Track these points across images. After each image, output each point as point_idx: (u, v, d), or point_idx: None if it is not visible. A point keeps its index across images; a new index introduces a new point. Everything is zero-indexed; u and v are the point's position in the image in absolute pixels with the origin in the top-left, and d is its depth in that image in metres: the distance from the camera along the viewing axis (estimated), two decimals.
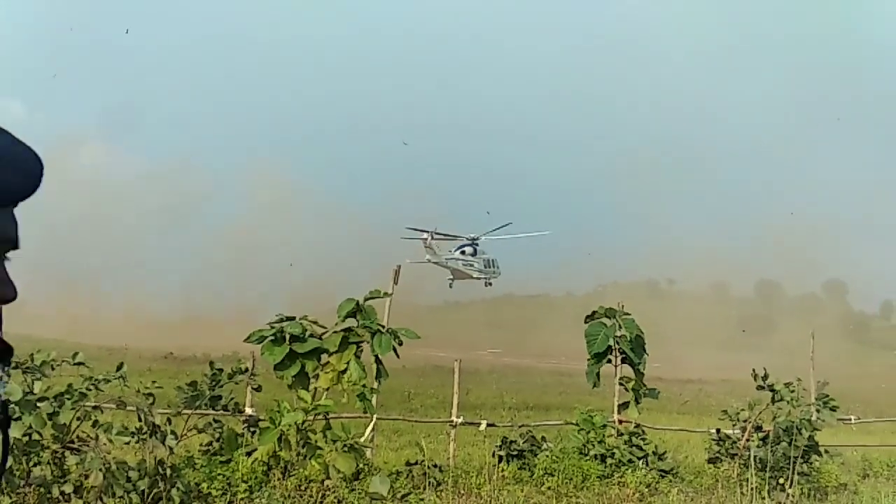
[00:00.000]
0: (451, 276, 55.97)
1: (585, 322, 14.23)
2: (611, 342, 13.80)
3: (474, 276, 56.40)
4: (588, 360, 14.07)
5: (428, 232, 52.72)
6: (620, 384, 14.07)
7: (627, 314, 14.08)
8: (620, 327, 13.78)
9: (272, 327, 10.93)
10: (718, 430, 13.71)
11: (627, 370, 14.11)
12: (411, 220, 54.09)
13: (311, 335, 10.80)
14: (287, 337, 10.90)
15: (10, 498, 8.50)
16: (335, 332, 10.61)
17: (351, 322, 10.93)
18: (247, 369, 10.58)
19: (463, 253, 55.98)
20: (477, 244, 56.54)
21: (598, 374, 14.09)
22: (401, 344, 10.92)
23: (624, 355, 13.90)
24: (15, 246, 1.11)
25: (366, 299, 11.04)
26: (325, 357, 10.75)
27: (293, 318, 10.80)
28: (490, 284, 58.80)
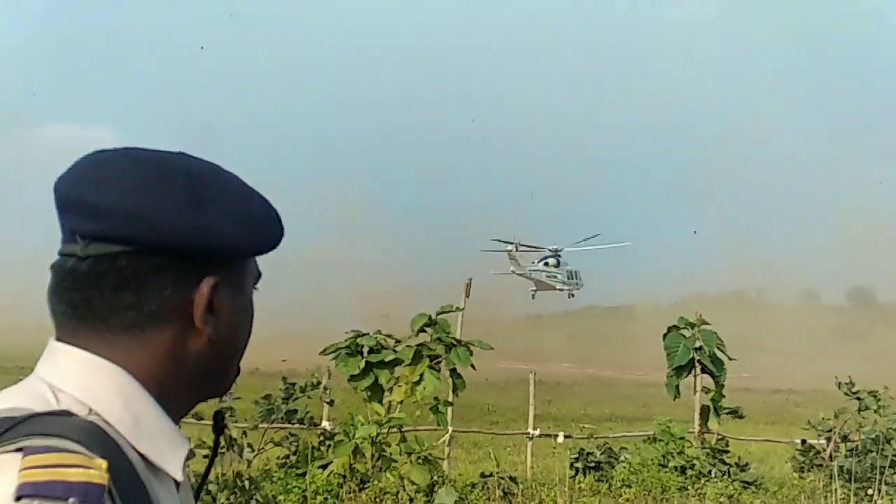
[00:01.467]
0: (535, 288, 56.02)
1: (664, 336, 14.00)
2: (692, 354, 13.55)
3: (557, 287, 56.39)
4: (668, 372, 13.85)
5: (512, 244, 53.06)
6: (702, 392, 13.81)
7: (707, 324, 13.81)
8: (698, 339, 13.52)
9: (347, 341, 11.07)
10: (804, 441, 13.33)
11: (709, 381, 13.83)
12: (493, 233, 54.32)
13: (386, 349, 10.90)
14: (363, 350, 11.04)
15: None
16: (408, 345, 10.69)
17: (424, 336, 11.01)
18: (319, 383, 10.71)
19: (546, 264, 56.04)
20: (560, 255, 56.50)
21: (677, 387, 13.85)
22: (471, 355, 10.93)
23: (703, 366, 13.64)
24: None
25: (438, 313, 11.10)
26: (398, 370, 10.83)
27: (367, 334, 10.93)
28: (573, 296, 58.65)
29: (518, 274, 54.04)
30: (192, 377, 1.18)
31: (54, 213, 1.19)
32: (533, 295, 56.79)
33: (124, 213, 1.10)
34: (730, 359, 13.58)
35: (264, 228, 1.20)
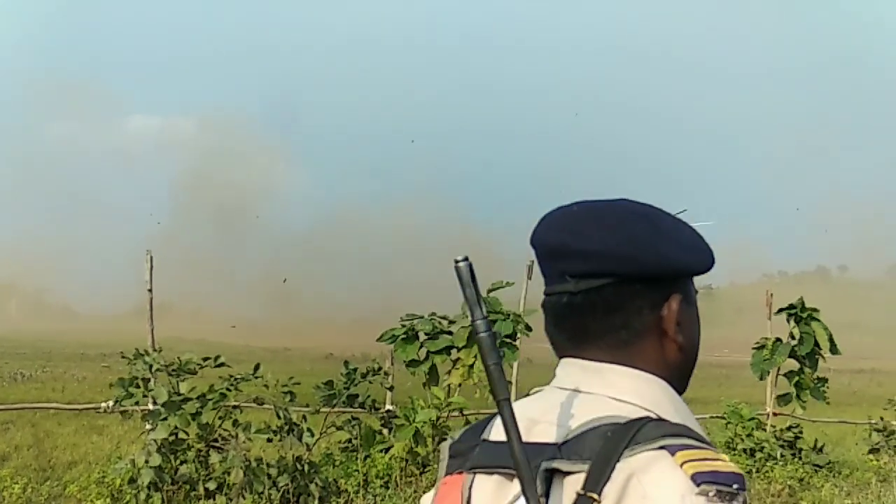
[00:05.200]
0: None
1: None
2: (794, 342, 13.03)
3: None
4: (764, 353, 13.32)
5: None
6: (785, 377, 13.39)
7: (815, 311, 13.16)
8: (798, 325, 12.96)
9: (403, 326, 11.05)
10: (881, 419, 12.90)
11: (794, 363, 13.27)
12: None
13: (442, 331, 10.86)
14: (419, 335, 11.01)
15: (161, 494, 8.94)
16: (462, 326, 10.61)
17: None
18: (380, 368, 10.73)
19: None
20: None
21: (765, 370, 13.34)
22: (529, 329, 10.82)
23: (794, 354, 13.10)
24: None
25: (489, 290, 10.98)
26: (455, 353, 10.78)
27: (422, 317, 10.90)
28: None
29: None
30: (671, 380, 1.41)
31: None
32: None
33: (608, 253, 1.37)
34: (835, 353, 12.98)
35: (706, 252, 1.45)
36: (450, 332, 10.82)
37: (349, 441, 10.83)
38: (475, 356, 10.34)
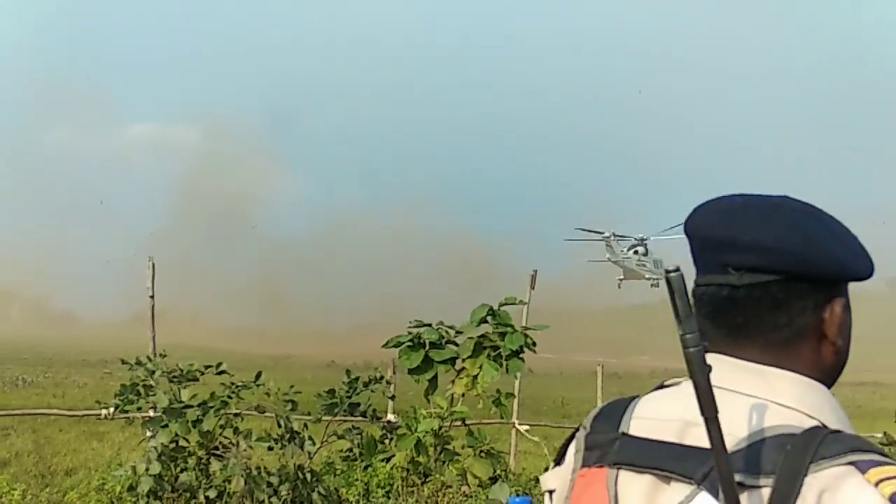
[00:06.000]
0: (622, 277, 55.90)
1: None
2: None
3: (646, 276, 56.14)
4: None
5: (609, 232, 53.36)
6: None
7: None
8: None
9: (409, 333, 10.98)
10: (885, 433, 12.79)
11: None
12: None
13: (448, 341, 10.78)
14: (425, 343, 10.93)
15: (161, 502, 8.88)
16: (469, 337, 10.53)
17: (486, 327, 10.84)
18: (382, 377, 10.68)
19: (635, 253, 55.87)
20: (646, 244, 56.23)
21: None
22: (534, 344, 10.74)
23: None
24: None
25: (500, 305, 10.93)
26: (459, 363, 10.70)
27: (429, 325, 10.82)
28: (656, 285, 58.24)
29: (613, 261, 54.32)
30: (825, 382, 1.40)
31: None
32: (619, 284, 56.73)
33: (782, 250, 1.35)
34: None
35: (869, 259, 1.44)
36: (455, 343, 10.75)
37: (350, 450, 10.77)
38: (480, 366, 10.28)
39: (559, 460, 1.59)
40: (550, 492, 1.56)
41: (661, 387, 1.53)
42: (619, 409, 1.51)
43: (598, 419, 1.52)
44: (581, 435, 1.52)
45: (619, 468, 1.41)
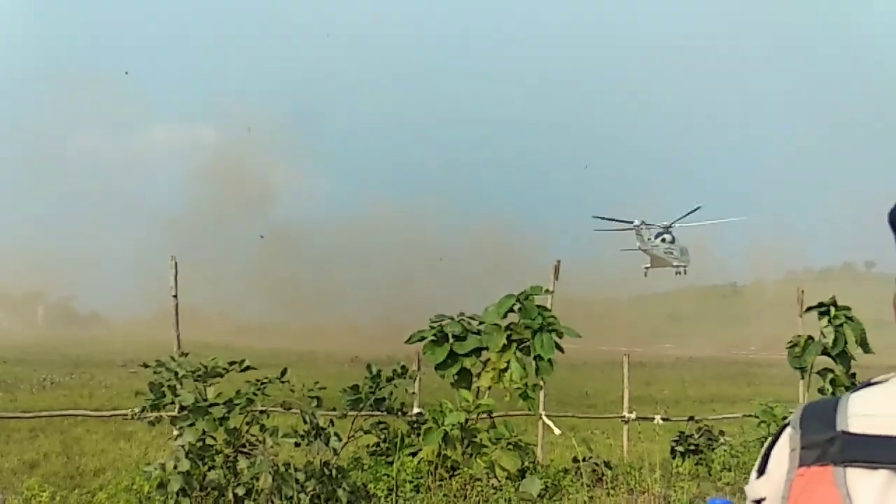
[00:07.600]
0: (649, 265, 55.84)
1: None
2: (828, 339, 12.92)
3: (674, 263, 56.08)
4: (796, 350, 13.21)
5: (639, 220, 53.39)
6: (818, 374, 13.20)
7: (848, 309, 13.07)
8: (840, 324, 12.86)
9: (432, 327, 10.92)
10: None
11: (829, 361, 13.14)
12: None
13: (472, 332, 10.71)
14: (448, 336, 10.87)
15: (190, 500, 8.87)
16: (494, 324, 10.45)
17: (513, 318, 10.77)
18: (405, 371, 10.62)
19: (663, 240, 55.78)
20: (672, 231, 56.11)
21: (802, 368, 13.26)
22: (560, 337, 10.66)
23: (826, 351, 12.99)
24: None
25: (526, 296, 10.84)
26: (485, 355, 10.64)
27: (452, 318, 10.76)
28: (681, 273, 58.16)
29: (643, 250, 54.43)
30: None
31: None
32: (646, 272, 56.70)
33: None
34: (867, 351, 12.85)
35: None
36: (478, 333, 10.68)
37: (377, 445, 10.72)
38: (507, 361, 10.21)
39: (762, 469, 1.56)
40: (759, 500, 1.53)
41: (869, 384, 1.47)
42: (826, 408, 1.47)
43: (805, 420, 1.48)
44: (797, 436, 1.47)
45: (845, 465, 1.37)
